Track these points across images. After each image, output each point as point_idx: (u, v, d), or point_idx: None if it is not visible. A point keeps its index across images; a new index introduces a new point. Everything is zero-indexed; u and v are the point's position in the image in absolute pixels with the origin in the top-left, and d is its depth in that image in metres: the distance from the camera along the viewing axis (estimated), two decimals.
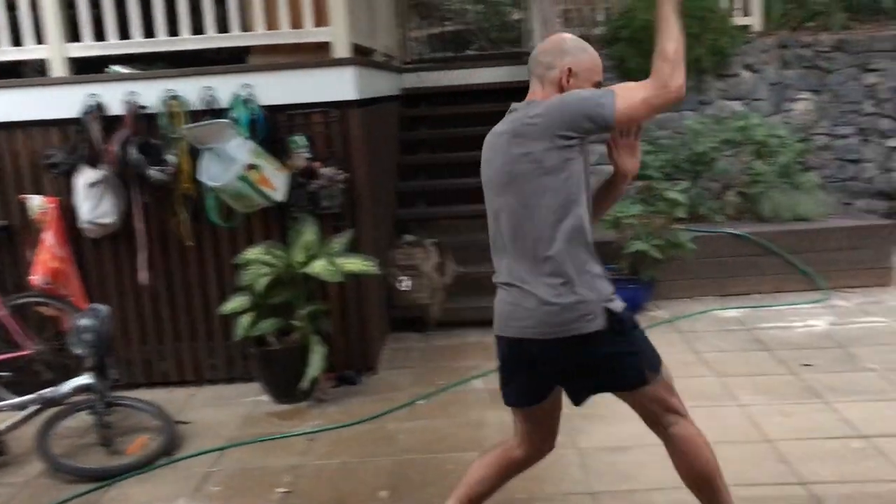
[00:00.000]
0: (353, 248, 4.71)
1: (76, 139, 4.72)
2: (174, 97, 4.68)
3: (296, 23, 4.96)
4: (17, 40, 4.99)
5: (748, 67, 7.45)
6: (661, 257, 5.74)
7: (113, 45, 4.99)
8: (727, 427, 3.86)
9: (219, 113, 4.65)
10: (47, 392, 4.14)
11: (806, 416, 3.97)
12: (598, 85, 2.54)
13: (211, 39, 4.99)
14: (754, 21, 7.79)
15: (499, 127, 2.58)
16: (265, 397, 4.68)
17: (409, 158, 7.19)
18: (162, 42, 4.98)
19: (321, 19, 4.93)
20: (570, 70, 2.50)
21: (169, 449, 4.03)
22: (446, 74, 7.84)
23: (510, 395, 2.72)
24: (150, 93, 4.70)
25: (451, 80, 7.75)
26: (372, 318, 5.05)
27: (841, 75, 7.48)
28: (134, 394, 4.59)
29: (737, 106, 7.32)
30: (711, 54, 7.13)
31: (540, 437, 2.76)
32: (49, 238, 4.66)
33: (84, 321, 4.08)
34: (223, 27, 4.99)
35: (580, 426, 3.89)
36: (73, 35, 4.99)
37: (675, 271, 5.93)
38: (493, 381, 4.72)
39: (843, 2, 8.24)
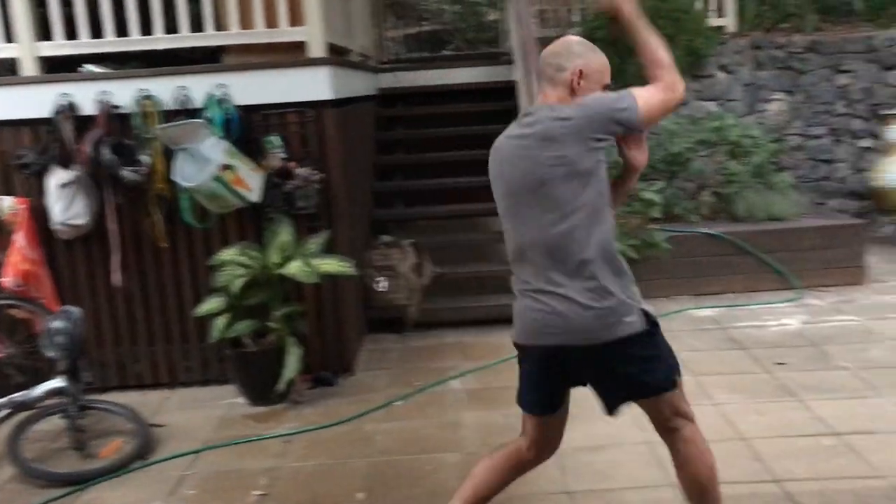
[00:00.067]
0: (330, 249, 4.69)
1: (47, 139, 4.66)
2: (148, 97, 4.64)
3: (271, 22, 4.93)
4: None
5: (723, 68, 7.52)
6: (637, 257, 5.78)
7: (85, 44, 4.93)
8: (702, 426, 3.80)
9: (193, 113, 4.61)
10: (18, 396, 4.08)
11: (780, 415, 4.01)
12: (607, 87, 2.55)
13: (185, 38, 4.94)
14: (729, 22, 7.87)
15: (514, 131, 2.55)
16: (241, 399, 4.65)
17: (386, 158, 7.18)
18: (135, 41, 4.92)
19: (296, 19, 4.91)
20: (580, 72, 2.49)
21: (143, 452, 3.99)
22: (423, 74, 7.83)
23: (534, 404, 2.68)
24: (124, 92, 4.65)
25: (428, 80, 7.73)
26: (348, 319, 5.03)
27: (814, 76, 7.58)
28: (107, 397, 4.54)
29: (712, 106, 7.39)
30: (686, 55, 7.19)
31: (552, 441, 2.75)
32: (20, 240, 4.60)
33: (56, 324, 4.03)
34: (197, 26, 4.94)
35: None
36: (45, 34, 4.92)
37: (651, 271, 5.96)
38: (471, 382, 4.76)
39: (815, 4, 8.35)
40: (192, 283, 4.87)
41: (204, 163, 4.40)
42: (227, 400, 4.68)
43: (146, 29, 4.91)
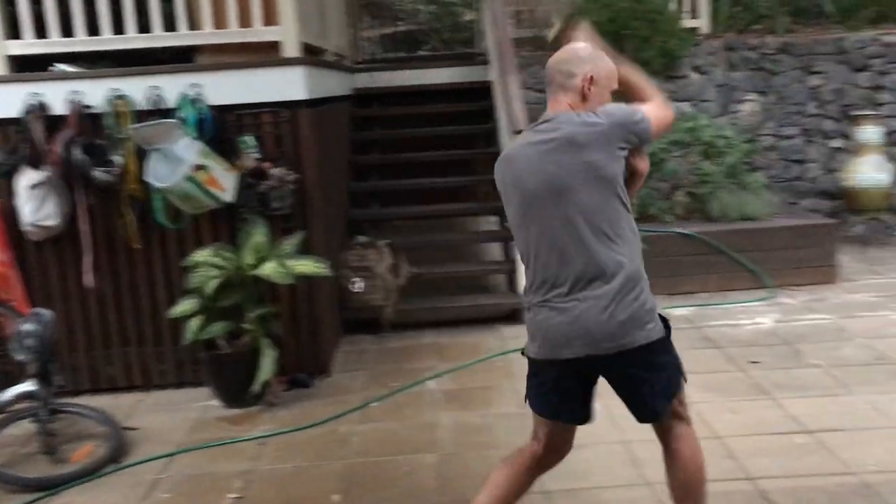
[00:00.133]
0: (305, 250, 4.66)
1: (17, 139, 4.59)
2: (120, 96, 4.59)
3: (245, 22, 4.90)
4: None
5: (696, 69, 7.58)
6: None
7: (56, 43, 4.87)
8: None
9: (166, 113, 4.57)
10: None
11: (753, 413, 4.04)
12: (614, 92, 2.57)
13: (158, 38, 4.90)
14: (702, 24, 7.93)
15: (532, 138, 2.51)
16: (215, 402, 4.61)
17: (362, 159, 7.16)
18: (107, 40, 4.87)
19: (270, 18, 4.88)
20: (591, 78, 2.49)
21: (116, 456, 3.95)
22: (399, 74, 7.82)
23: (559, 411, 2.63)
24: (95, 92, 4.60)
25: (404, 81, 7.73)
26: (324, 320, 5.01)
27: (786, 77, 7.66)
28: (80, 400, 4.49)
29: (685, 107, 7.43)
30: (661, 56, 7.23)
31: (566, 443, 2.74)
32: None
33: (26, 326, 3.97)
34: (170, 26, 4.90)
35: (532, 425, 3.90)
36: (14, 32, 4.85)
37: None
38: (447, 383, 4.76)
39: (787, 6, 8.45)
40: (165, 284, 4.82)
41: (177, 163, 4.36)
42: (201, 402, 4.63)
43: (118, 28, 4.86)
